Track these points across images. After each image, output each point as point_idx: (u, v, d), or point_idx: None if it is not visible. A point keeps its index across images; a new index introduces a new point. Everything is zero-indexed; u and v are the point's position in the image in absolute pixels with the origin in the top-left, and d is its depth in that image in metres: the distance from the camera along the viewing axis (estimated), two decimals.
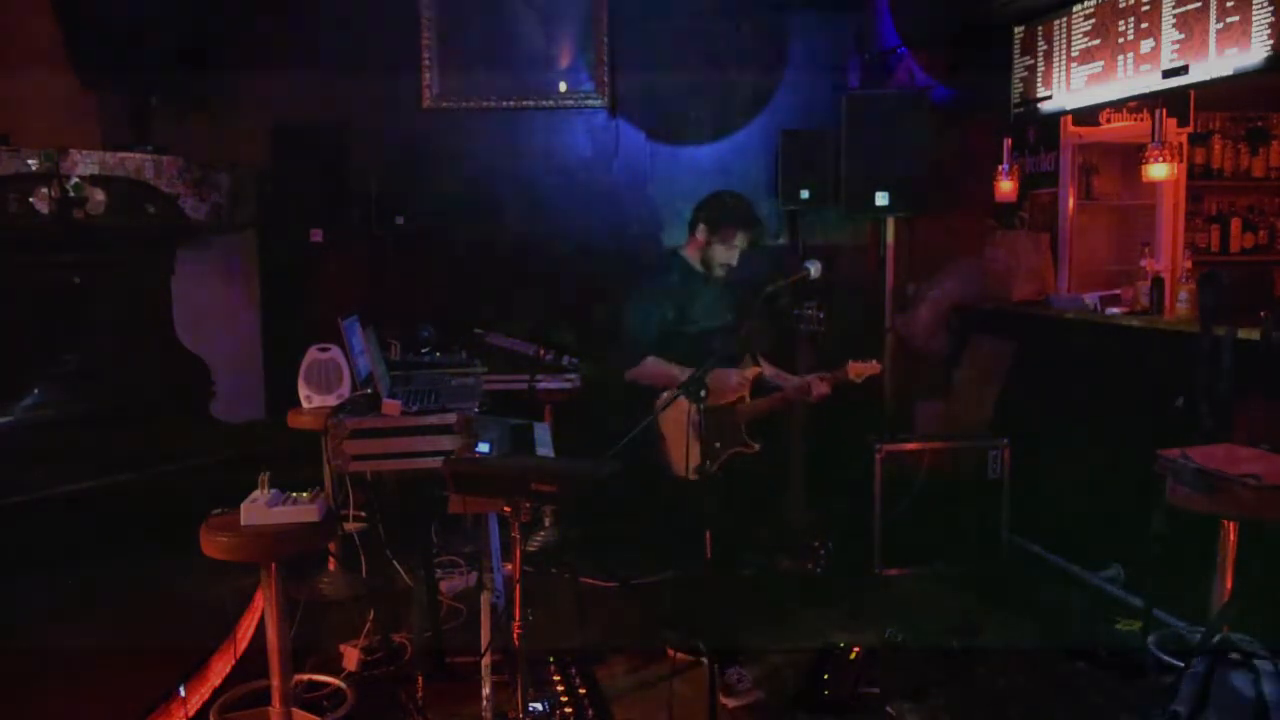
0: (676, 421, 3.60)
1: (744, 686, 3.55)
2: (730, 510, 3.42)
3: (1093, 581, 4.48)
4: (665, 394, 3.53)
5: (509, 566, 3.08)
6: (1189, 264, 4.50)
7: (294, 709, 3.15)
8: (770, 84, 5.99)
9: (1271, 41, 3.56)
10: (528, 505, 2.77)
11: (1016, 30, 5.06)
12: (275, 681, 3.07)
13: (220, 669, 3.57)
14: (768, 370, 4.00)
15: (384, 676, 3.56)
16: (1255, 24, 3.62)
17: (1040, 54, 4.90)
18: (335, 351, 4.02)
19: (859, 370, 3.89)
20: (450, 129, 5.92)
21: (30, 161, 4.51)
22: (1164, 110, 4.50)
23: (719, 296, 3.90)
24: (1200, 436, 3.57)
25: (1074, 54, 4.66)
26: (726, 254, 3.86)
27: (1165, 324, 4.25)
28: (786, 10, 5.99)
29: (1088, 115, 5.03)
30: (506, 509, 2.78)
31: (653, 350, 3.77)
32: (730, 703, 3.50)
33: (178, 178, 5.10)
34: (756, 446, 3.82)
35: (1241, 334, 3.71)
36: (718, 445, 3.74)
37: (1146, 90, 4.24)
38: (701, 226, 3.88)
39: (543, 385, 4.82)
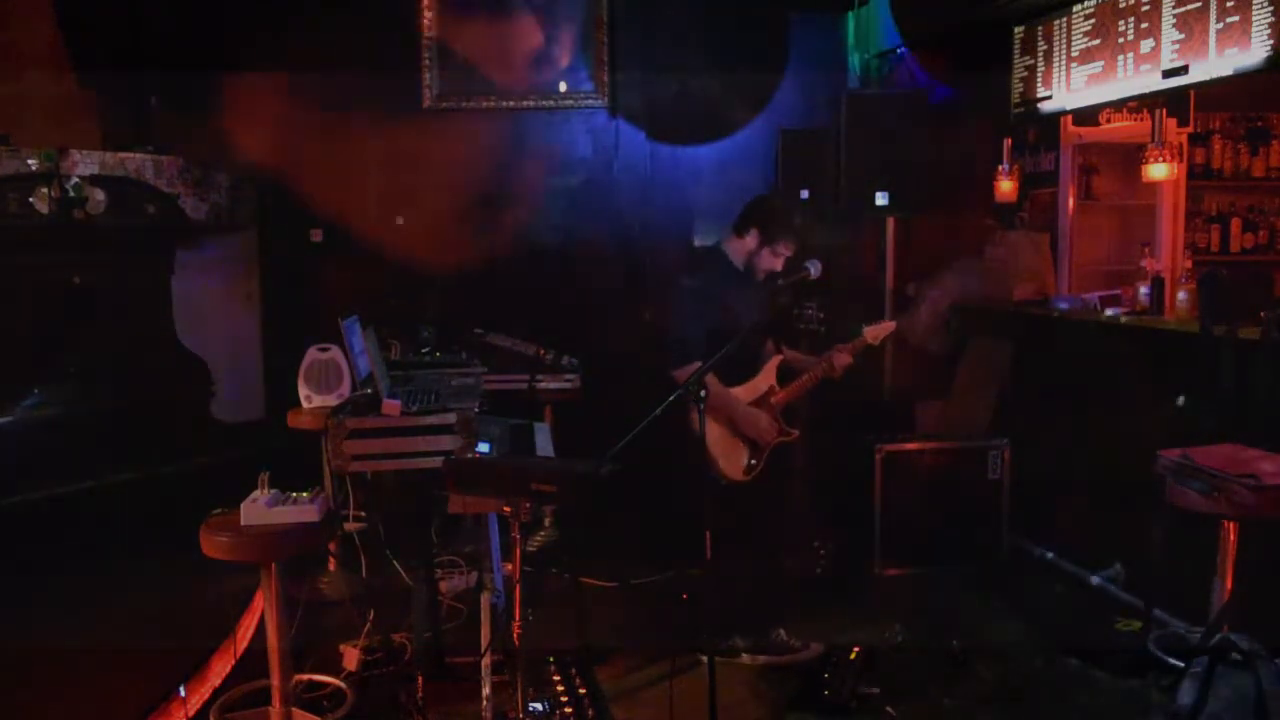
0: (719, 427, 3.70)
1: (797, 643, 3.70)
2: (730, 510, 3.42)
3: (1093, 581, 4.48)
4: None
5: (509, 566, 3.09)
6: (1189, 264, 4.50)
7: (294, 709, 3.15)
8: (770, 84, 5.99)
9: (1271, 41, 3.56)
10: (528, 505, 2.77)
11: (1016, 30, 5.06)
12: (275, 681, 3.08)
13: (220, 669, 3.57)
14: (789, 355, 4.01)
15: (384, 676, 3.57)
16: (1255, 24, 3.62)
17: (1040, 54, 4.89)
18: (335, 351, 4.02)
19: (875, 333, 3.91)
20: (450, 129, 5.92)
21: (30, 161, 4.51)
22: (1164, 110, 4.49)
23: (759, 295, 3.87)
24: (1200, 436, 3.57)
25: (1074, 54, 4.65)
26: (772, 260, 3.85)
27: (1165, 324, 4.25)
28: (786, 10, 5.99)
29: (1088, 115, 5.03)
30: (506, 509, 2.78)
31: (701, 352, 3.64)
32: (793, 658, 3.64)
33: (178, 178, 5.10)
34: (796, 433, 3.86)
35: (1241, 334, 3.71)
36: (765, 438, 3.80)
37: (1146, 90, 4.23)
38: (754, 231, 3.85)
39: (543, 385, 4.82)
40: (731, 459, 3.82)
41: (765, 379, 3.87)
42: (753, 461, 3.81)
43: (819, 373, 3.88)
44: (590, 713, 3.38)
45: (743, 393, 3.83)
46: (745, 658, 3.77)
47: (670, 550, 4.19)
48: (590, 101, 5.96)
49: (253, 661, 3.54)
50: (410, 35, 5.85)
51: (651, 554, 4.55)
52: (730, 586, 3.44)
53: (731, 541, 3.11)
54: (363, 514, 3.94)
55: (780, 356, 3.93)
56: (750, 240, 3.84)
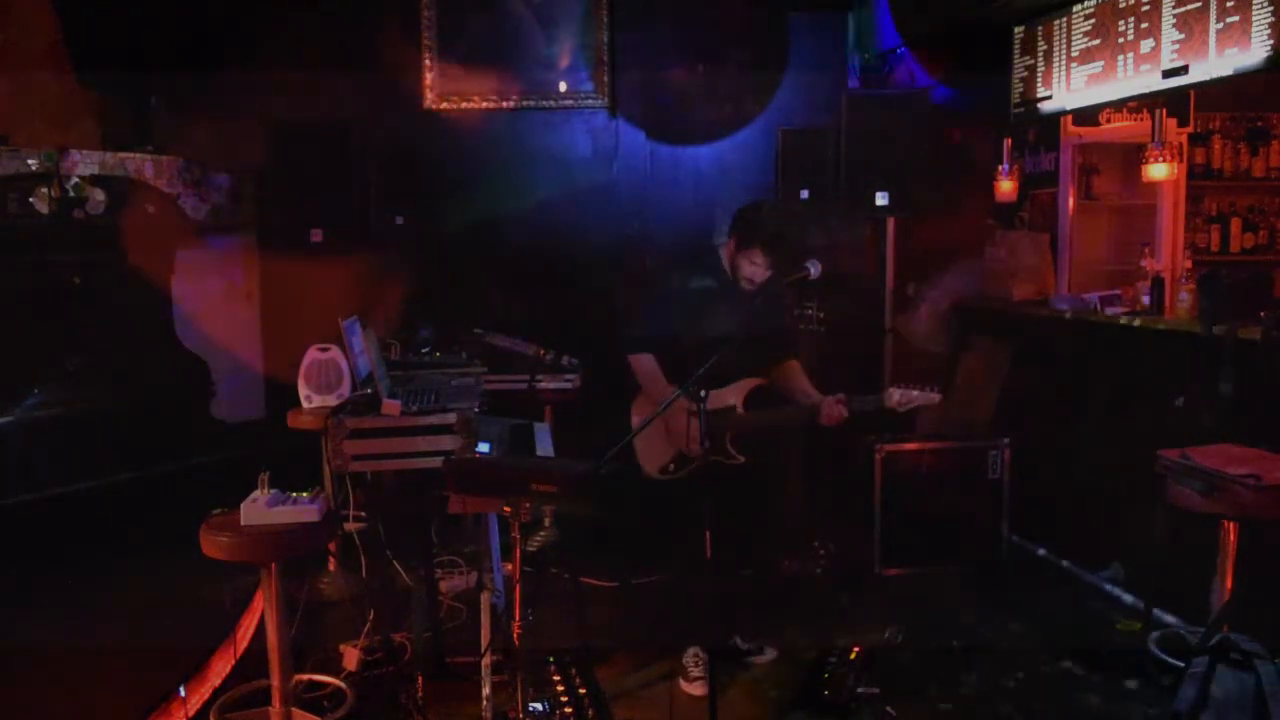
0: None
1: (698, 674, 3.52)
2: (729, 510, 3.41)
3: (1093, 581, 4.48)
4: (642, 389, 3.47)
5: (509, 566, 3.09)
6: (1189, 264, 4.50)
7: (294, 709, 3.15)
8: (770, 84, 5.98)
9: (1271, 41, 3.56)
10: (528, 505, 2.77)
11: (1016, 30, 5.06)
12: (275, 681, 3.08)
13: (220, 669, 3.57)
14: (784, 375, 3.85)
15: (384, 676, 3.56)
16: (1255, 24, 3.62)
17: (1040, 54, 4.89)
18: (335, 351, 4.02)
19: (902, 400, 3.49)
20: (450, 129, 5.92)
21: (30, 161, 4.51)
22: (1164, 110, 4.50)
23: (747, 305, 3.73)
24: (1200, 436, 3.57)
25: (1074, 54, 4.65)
26: (750, 269, 3.69)
27: (1165, 324, 4.25)
28: (786, 10, 5.99)
29: (1088, 115, 5.03)
30: (506, 509, 2.78)
31: (656, 345, 3.69)
32: (691, 690, 3.51)
33: (178, 178, 5.10)
34: (741, 459, 3.67)
35: (1241, 334, 3.71)
36: (693, 450, 3.58)
37: (1146, 90, 4.23)
38: (733, 237, 3.73)
39: (543, 385, 4.82)
40: (652, 454, 3.70)
41: (729, 396, 3.68)
42: (671, 466, 3.66)
43: (786, 415, 3.69)
44: (590, 713, 3.37)
45: None
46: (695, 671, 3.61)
47: (667, 551, 4.19)
48: (590, 101, 5.96)
49: (253, 661, 3.53)
50: (410, 35, 5.86)
51: (651, 554, 4.55)
52: (696, 590, 3.34)
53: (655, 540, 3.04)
54: (363, 514, 3.94)
55: (758, 381, 3.75)
56: (730, 246, 3.79)
